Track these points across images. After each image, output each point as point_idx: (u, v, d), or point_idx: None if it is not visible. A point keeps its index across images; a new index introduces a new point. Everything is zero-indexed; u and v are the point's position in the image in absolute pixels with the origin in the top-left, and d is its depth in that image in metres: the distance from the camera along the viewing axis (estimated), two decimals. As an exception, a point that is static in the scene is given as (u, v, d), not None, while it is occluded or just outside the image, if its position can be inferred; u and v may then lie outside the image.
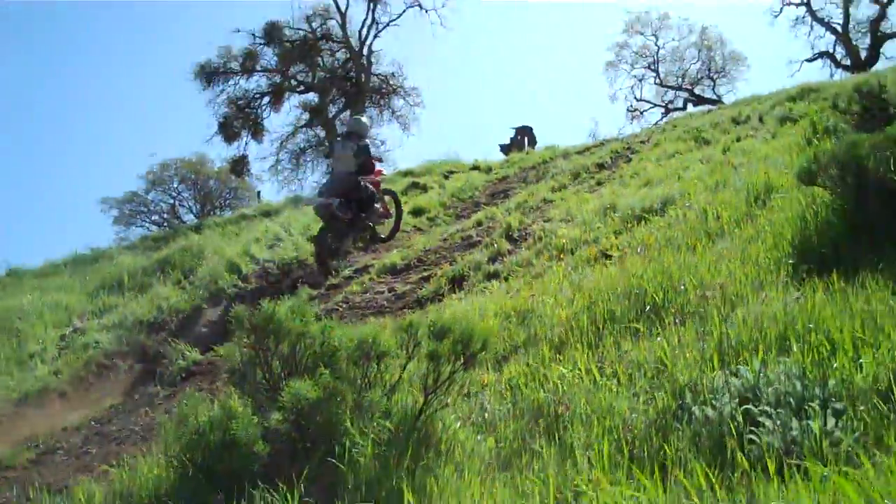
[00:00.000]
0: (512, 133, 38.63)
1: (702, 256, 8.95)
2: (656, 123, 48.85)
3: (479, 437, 6.03)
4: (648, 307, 7.73)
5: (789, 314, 6.30)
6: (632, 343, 7.11)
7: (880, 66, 46.65)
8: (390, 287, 13.87)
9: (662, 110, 49.98)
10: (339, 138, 18.65)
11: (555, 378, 6.69)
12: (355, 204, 15.97)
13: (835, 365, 5.33)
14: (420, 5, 45.23)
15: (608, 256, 11.00)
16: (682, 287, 7.89)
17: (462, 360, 6.16)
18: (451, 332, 6.11)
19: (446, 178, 26.52)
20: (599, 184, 19.43)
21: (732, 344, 6.14)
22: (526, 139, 38.19)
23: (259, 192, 47.11)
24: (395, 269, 14.95)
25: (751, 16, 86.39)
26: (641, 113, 50.45)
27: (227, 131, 42.87)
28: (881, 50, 47.31)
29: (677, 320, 7.24)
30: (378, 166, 17.30)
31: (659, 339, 6.82)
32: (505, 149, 36.37)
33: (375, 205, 16.64)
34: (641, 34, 51.12)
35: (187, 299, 15.69)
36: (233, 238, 21.05)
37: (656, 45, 51.05)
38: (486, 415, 6.44)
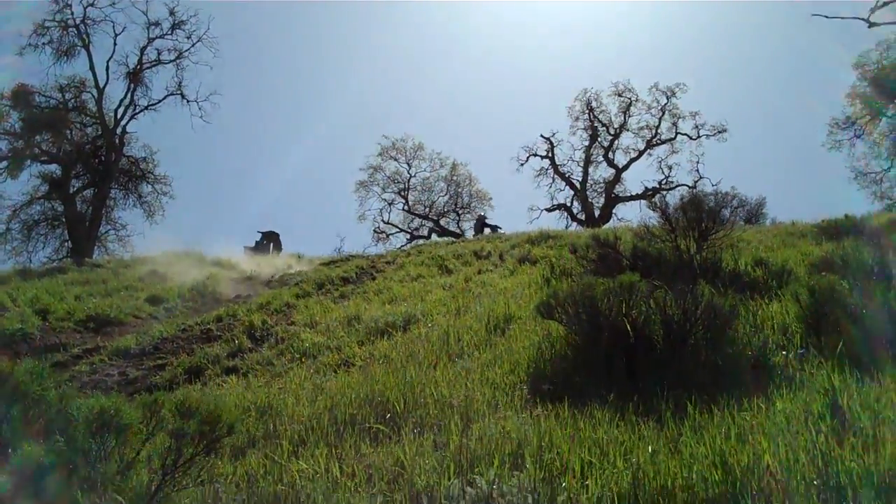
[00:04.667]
0: (258, 237, 38.39)
1: (443, 373, 9.29)
2: (401, 247, 50.25)
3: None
4: (389, 415, 7.92)
5: (524, 433, 6.65)
6: (371, 447, 7.23)
7: (611, 224, 50.37)
8: (121, 371, 13.33)
9: (408, 236, 51.45)
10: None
11: (294, 473, 6.68)
12: None
13: (563, 484, 5.67)
14: (182, 95, 44.67)
15: (351, 364, 11.17)
16: (423, 400, 8.14)
17: (205, 443, 6.05)
18: (199, 412, 6.01)
19: (189, 269, 25.94)
20: (343, 296, 19.69)
21: (469, 455, 6.39)
22: (272, 244, 38.05)
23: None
24: (128, 353, 14.37)
25: (501, 160, 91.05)
26: (387, 236, 51.65)
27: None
28: (614, 210, 51.11)
29: (416, 429, 7.45)
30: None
31: (398, 445, 6.98)
32: (250, 250, 36.11)
33: None
34: (395, 160, 52.82)
35: None
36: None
37: (409, 173, 52.83)
38: (220, 504, 6.34)
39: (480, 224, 42.05)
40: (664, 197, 49.18)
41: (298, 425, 7.98)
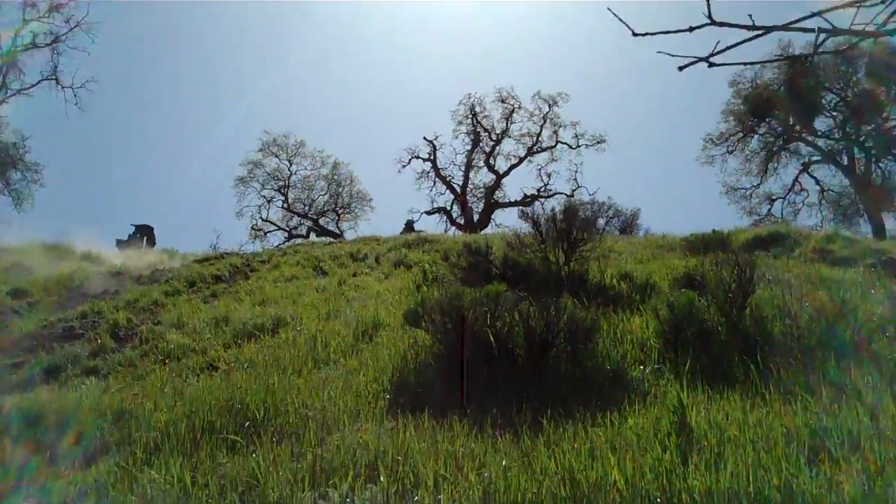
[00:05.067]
0: (132, 230, 37.45)
1: (306, 380, 9.24)
2: (278, 246, 49.63)
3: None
4: (248, 423, 7.82)
5: (381, 444, 6.67)
6: (228, 456, 7.13)
7: (490, 230, 50.90)
8: (-27, 369, 12.83)
9: (286, 234, 50.77)
10: None
11: (145, 483, 6.54)
12: None
13: (416, 497, 5.71)
14: (57, 80, 43.15)
15: (215, 368, 11.00)
16: (284, 408, 8.08)
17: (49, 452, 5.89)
18: (46, 417, 5.85)
19: (56, 262, 25.11)
20: (215, 295, 19.36)
21: (325, 467, 6.37)
22: (145, 238, 37.19)
23: None
24: (-19, 352, 13.84)
25: (383, 161, 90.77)
26: (265, 233, 50.82)
27: None
28: (493, 216, 51.61)
29: (275, 438, 7.40)
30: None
31: (255, 454, 6.91)
32: (122, 244, 35.22)
33: None
34: (276, 157, 52.04)
35: None
36: None
37: (289, 170, 52.11)
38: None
39: (409, 229, 42.03)
40: (542, 204, 50.26)
41: (154, 432, 7.81)
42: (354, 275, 21.36)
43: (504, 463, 6.18)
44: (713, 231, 24.38)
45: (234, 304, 16.91)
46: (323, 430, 7.45)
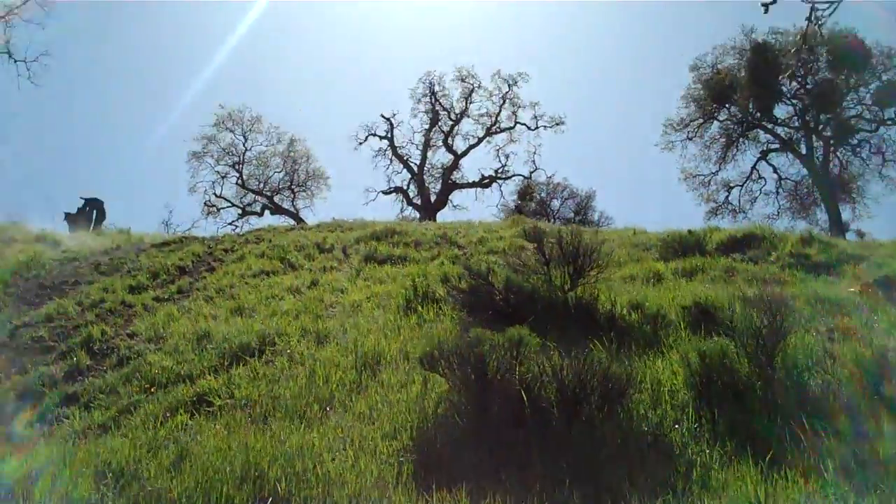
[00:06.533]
0: (81, 203, 36.16)
1: (319, 432, 8.57)
2: (231, 223, 48.60)
3: None
4: (271, 498, 7.12)
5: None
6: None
7: (447, 211, 50.44)
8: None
9: (240, 211, 49.70)
10: None
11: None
12: None
13: None
14: (10, 53, 41.37)
15: (208, 402, 10.28)
16: (305, 476, 7.44)
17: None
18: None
19: (9, 246, 24.01)
20: (182, 291, 18.57)
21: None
22: (94, 212, 35.99)
23: None
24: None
25: (340, 138, 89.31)
26: (218, 209, 49.61)
27: None
28: (450, 196, 51.03)
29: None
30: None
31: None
32: (71, 218, 34.06)
33: None
34: (231, 132, 50.80)
35: None
36: None
37: (244, 146, 50.97)
38: None
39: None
40: (501, 187, 49.82)
41: (166, 507, 7.10)
42: (324, 269, 20.70)
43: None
44: (689, 231, 24.12)
45: (207, 307, 16.17)
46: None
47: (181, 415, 9.87)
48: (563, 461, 7.62)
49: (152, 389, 11.02)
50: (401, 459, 7.98)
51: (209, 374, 11.39)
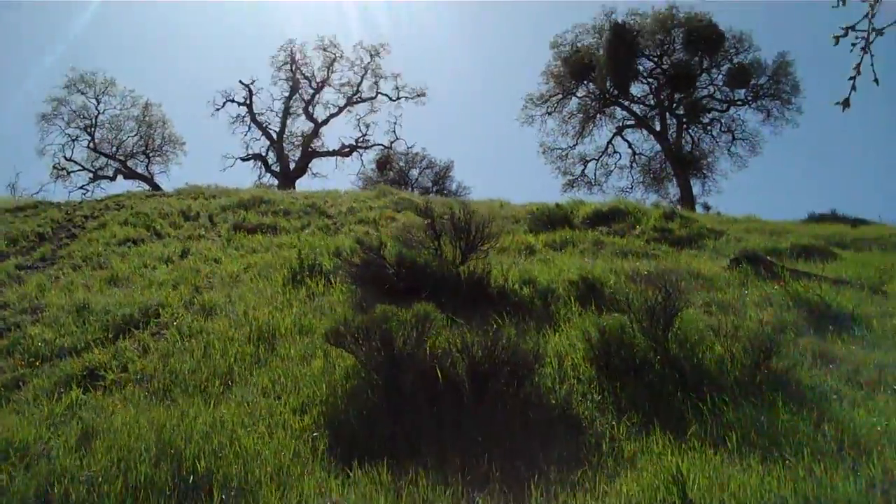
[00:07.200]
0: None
1: (229, 410, 8.37)
2: (83, 188, 46.80)
3: None
4: (190, 475, 6.92)
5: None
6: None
7: (306, 179, 49.98)
8: None
9: (91, 175, 47.86)
10: None
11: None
12: None
13: None
14: None
15: (100, 377, 9.93)
16: (222, 452, 7.26)
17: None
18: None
19: None
20: (45, 259, 17.88)
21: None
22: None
23: None
24: None
25: (199, 103, 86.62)
26: (68, 173, 47.59)
27: None
28: (310, 165, 50.60)
29: (224, 496, 6.62)
30: None
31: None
32: None
33: None
34: (83, 94, 48.72)
35: None
36: None
37: (97, 109, 48.93)
38: None
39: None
40: (361, 156, 49.69)
41: (81, 487, 6.76)
42: (191, 238, 20.33)
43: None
44: (557, 205, 24.71)
45: (78, 276, 15.61)
46: (278, 489, 6.76)
47: (74, 390, 9.49)
48: (478, 434, 7.71)
49: (37, 363, 10.55)
50: (314, 434, 7.92)
51: (95, 347, 10.99)
